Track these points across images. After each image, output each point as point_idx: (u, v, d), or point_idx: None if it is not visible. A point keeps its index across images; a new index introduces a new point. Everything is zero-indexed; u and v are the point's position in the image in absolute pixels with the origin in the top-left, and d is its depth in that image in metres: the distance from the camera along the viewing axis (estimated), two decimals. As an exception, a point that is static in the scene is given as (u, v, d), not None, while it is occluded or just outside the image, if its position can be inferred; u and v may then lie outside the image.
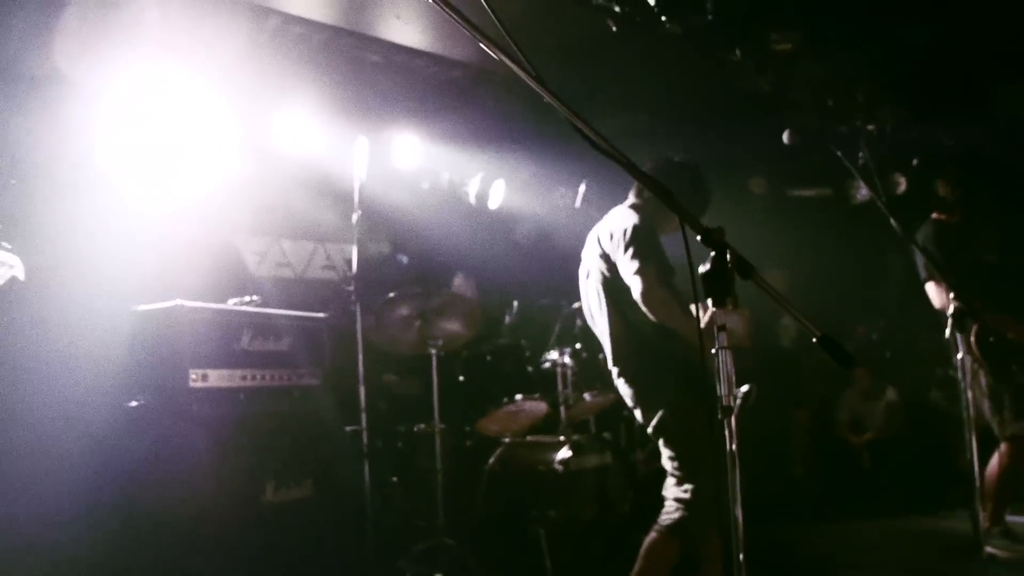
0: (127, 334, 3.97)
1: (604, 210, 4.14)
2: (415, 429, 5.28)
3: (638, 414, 3.91)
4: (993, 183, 5.41)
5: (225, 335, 4.10)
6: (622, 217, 3.91)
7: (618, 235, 3.81)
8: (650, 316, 3.67)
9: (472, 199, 7.14)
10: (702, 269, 2.00)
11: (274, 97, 5.90)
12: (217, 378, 4.00)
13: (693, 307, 3.54)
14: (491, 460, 5.24)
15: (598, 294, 3.97)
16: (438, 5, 1.90)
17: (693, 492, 3.68)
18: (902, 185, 6.89)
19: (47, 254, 3.53)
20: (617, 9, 4.90)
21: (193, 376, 3.90)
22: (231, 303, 4.34)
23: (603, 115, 6.30)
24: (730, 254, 1.97)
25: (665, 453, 3.81)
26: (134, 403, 3.92)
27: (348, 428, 4.66)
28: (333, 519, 4.38)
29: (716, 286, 1.99)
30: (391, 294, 5.06)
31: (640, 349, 3.86)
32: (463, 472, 5.28)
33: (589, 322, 4.18)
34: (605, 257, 3.90)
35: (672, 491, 3.76)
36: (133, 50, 4.90)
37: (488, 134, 6.73)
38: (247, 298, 4.40)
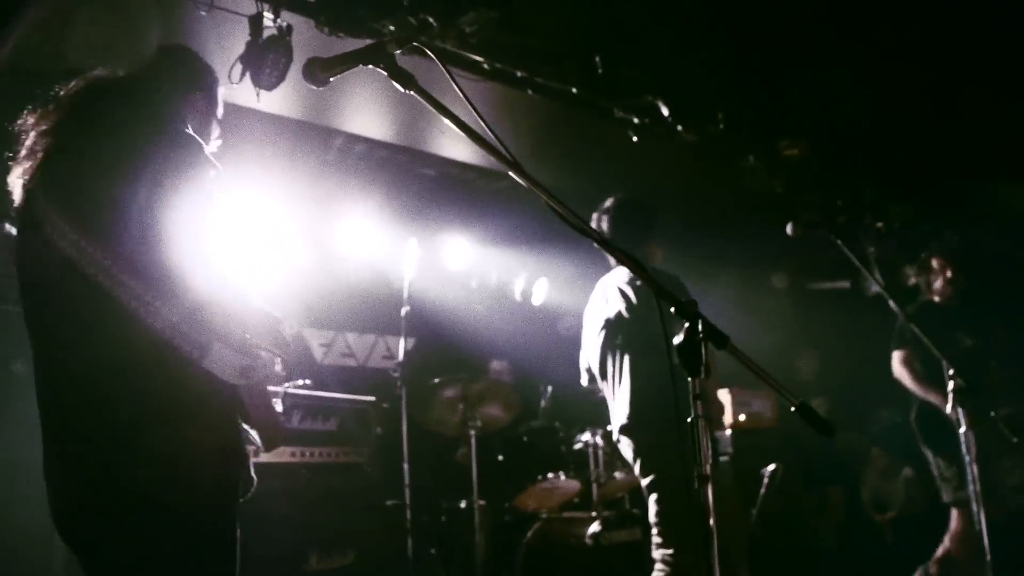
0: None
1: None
2: (460, 505, 5.08)
3: (638, 466, 3.72)
4: (985, 275, 5.24)
5: (277, 415, 4.00)
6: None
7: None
8: None
9: (518, 296, 7.04)
10: (675, 340, 1.82)
11: (340, 205, 5.93)
12: (268, 454, 3.89)
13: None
14: (528, 534, 4.98)
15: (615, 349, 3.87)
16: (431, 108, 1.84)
17: (673, 556, 3.48)
18: (912, 277, 6.59)
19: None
20: (636, 120, 4.83)
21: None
22: (285, 386, 4.25)
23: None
24: (703, 325, 1.78)
25: (653, 508, 3.63)
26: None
27: (389, 502, 4.47)
28: (375, 589, 4.17)
29: (689, 357, 1.80)
30: (436, 379, 4.95)
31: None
32: (501, 545, 5.04)
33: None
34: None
35: (657, 552, 3.57)
36: (219, 160, 4.96)
37: (533, 237, 6.66)
38: (300, 382, 4.31)
